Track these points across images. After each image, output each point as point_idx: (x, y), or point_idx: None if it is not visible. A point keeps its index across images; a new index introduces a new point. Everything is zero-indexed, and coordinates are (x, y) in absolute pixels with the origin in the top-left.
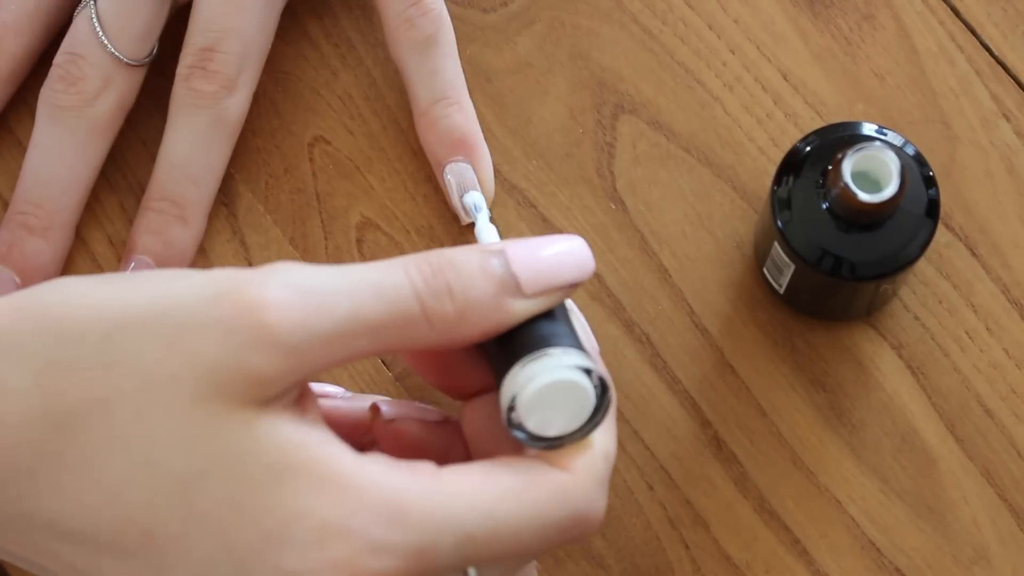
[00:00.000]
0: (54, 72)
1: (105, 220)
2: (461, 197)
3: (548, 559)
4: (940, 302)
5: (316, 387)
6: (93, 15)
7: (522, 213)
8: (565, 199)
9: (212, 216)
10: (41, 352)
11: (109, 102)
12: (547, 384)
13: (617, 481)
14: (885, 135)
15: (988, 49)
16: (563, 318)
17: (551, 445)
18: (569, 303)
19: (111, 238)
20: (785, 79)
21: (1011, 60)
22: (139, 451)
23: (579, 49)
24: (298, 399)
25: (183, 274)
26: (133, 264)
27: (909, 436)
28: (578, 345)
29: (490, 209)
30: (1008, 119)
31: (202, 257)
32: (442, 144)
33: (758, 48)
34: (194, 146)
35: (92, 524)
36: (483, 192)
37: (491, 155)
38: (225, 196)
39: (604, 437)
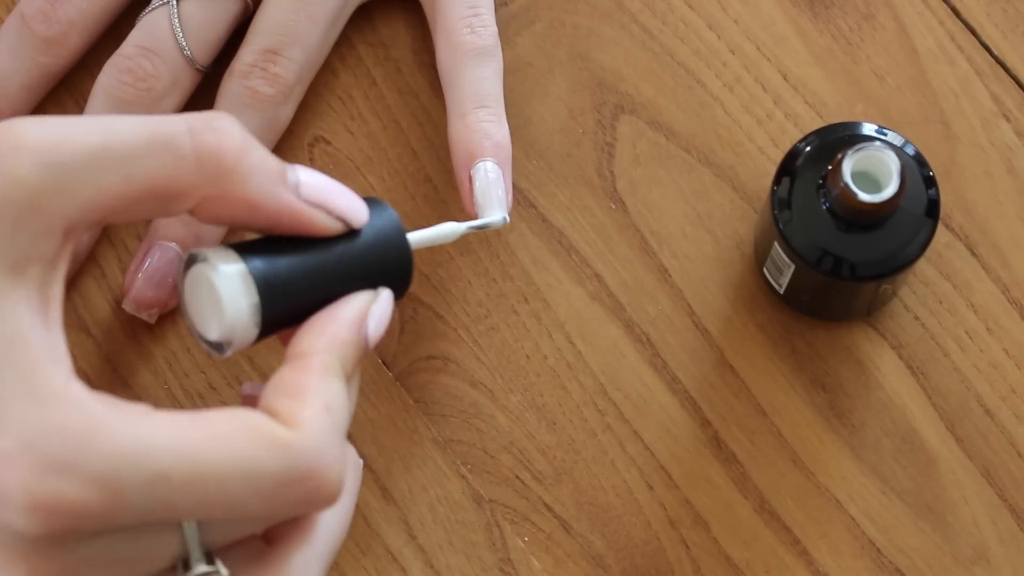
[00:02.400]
0: (121, 63)
1: None
2: (485, 192)
3: (548, 558)
4: (940, 302)
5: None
6: (175, 14)
7: (522, 213)
8: (565, 199)
9: None
10: None
11: (173, 104)
12: (192, 276)
13: (617, 481)
14: (885, 135)
15: (988, 49)
16: (318, 278)
17: (215, 350)
18: (386, 295)
19: (111, 238)
20: (785, 79)
21: (1011, 60)
22: None
23: (579, 49)
24: (54, 260)
25: None
26: (159, 250)
27: (909, 436)
28: (280, 291)
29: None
30: (1008, 119)
31: None
32: (479, 145)
33: (758, 48)
34: None
35: None
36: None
37: None
38: None
39: (324, 390)
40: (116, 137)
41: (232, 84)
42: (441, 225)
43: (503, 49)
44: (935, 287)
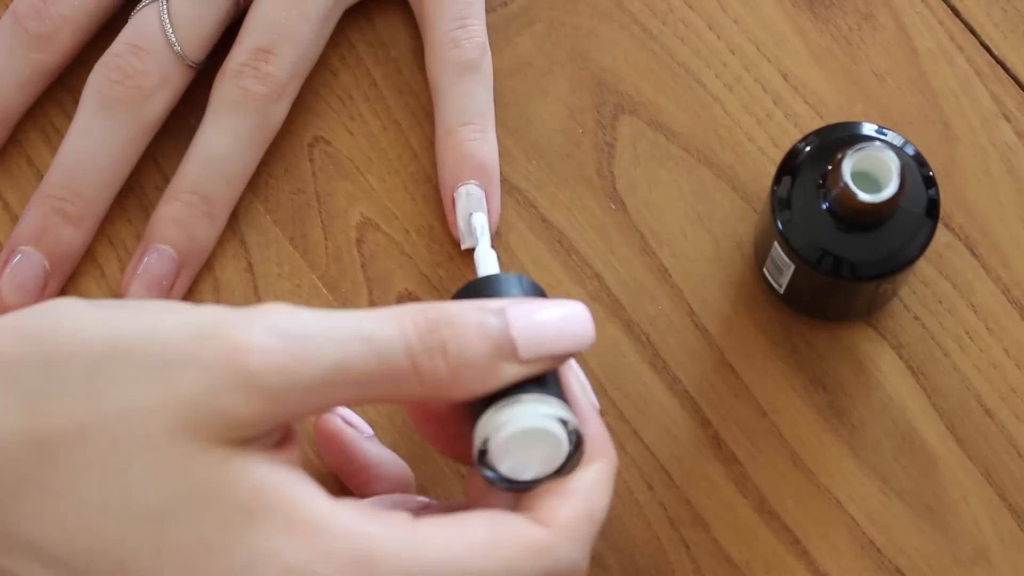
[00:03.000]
0: (111, 61)
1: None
2: (467, 218)
3: None
4: (940, 302)
5: (347, 413)
6: (164, 11)
7: (522, 213)
8: (565, 199)
9: None
10: (30, 377)
11: (163, 101)
12: (520, 430)
13: (617, 481)
14: (885, 135)
15: (988, 49)
16: (551, 377)
17: (524, 488)
18: (572, 363)
19: (110, 238)
20: (785, 79)
21: (1011, 60)
22: (115, 481)
23: (579, 49)
24: (280, 441)
25: (174, 307)
26: (155, 253)
27: (909, 436)
28: (557, 395)
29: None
30: (1008, 119)
31: None
32: (461, 166)
33: (758, 48)
34: (234, 145)
35: (69, 550)
36: (489, 221)
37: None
38: None
39: (591, 498)
40: (350, 362)
41: (224, 83)
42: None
43: (503, 49)
44: (935, 287)
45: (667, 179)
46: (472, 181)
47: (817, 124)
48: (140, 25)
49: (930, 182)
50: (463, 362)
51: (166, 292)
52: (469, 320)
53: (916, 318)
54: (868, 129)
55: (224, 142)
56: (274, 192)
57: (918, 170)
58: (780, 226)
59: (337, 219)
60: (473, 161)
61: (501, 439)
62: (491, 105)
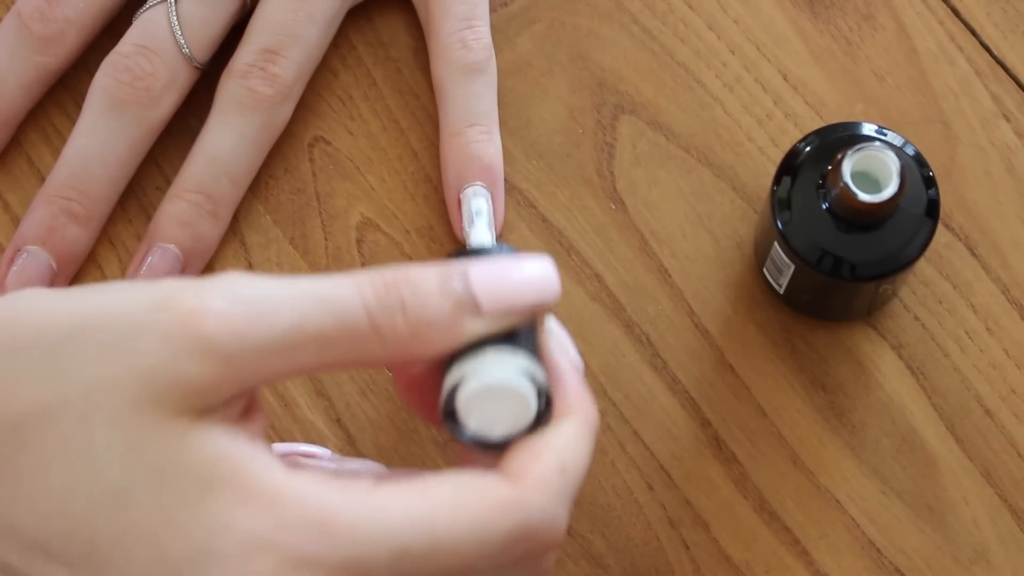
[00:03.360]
0: (119, 62)
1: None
2: (472, 219)
3: None
4: (940, 302)
5: (303, 448)
6: (173, 13)
7: (522, 213)
8: (565, 199)
9: None
10: None
11: (170, 103)
12: (484, 384)
13: (617, 481)
14: (885, 135)
15: (988, 49)
16: (523, 330)
17: (497, 448)
18: (552, 324)
19: (111, 238)
20: (785, 79)
21: (1011, 60)
22: (81, 459)
23: (579, 49)
24: (244, 412)
25: (134, 284)
26: (159, 252)
27: (909, 436)
28: (527, 351)
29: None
30: (1008, 119)
31: None
32: (467, 167)
33: (758, 48)
34: (239, 145)
35: (44, 532)
36: (495, 223)
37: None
38: None
39: (563, 450)
40: (308, 324)
41: (230, 84)
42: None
43: (503, 50)
44: (935, 287)
45: (667, 179)
46: (478, 182)
47: (817, 124)
48: (148, 26)
49: (930, 182)
50: (423, 318)
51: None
52: (428, 277)
53: (916, 318)
54: (868, 129)
55: (230, 142)
56: (274, 192)
57: (918, 170)
58: (780, 226)
59: (337, 219)
60: (479, 163)
61: (465, 393)
62: (496, 108)
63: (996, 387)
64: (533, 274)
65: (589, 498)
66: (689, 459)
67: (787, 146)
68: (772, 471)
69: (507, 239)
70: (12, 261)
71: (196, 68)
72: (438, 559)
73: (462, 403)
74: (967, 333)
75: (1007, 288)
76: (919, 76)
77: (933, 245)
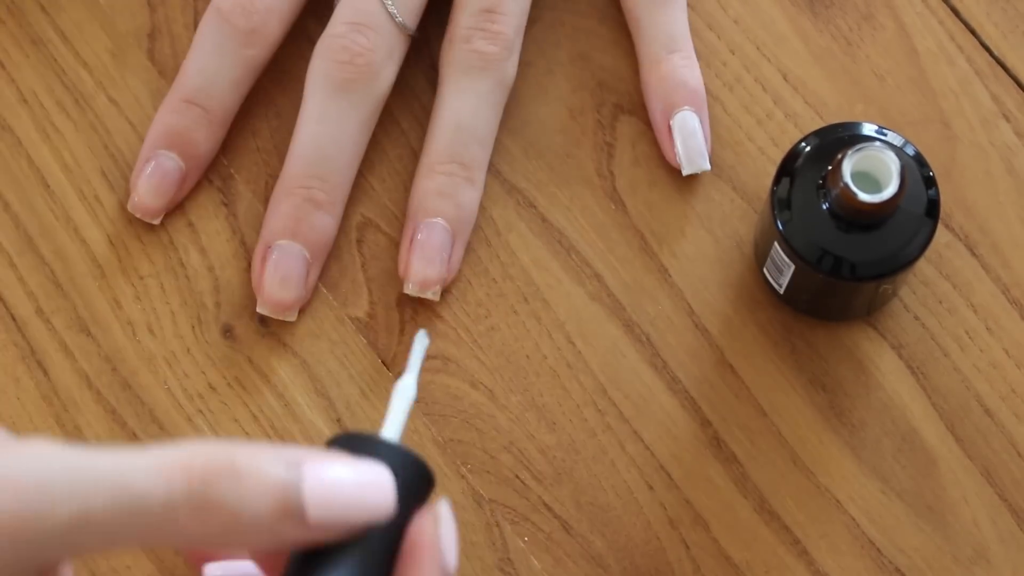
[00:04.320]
0: (334, 43)
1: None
2: (687, 145)
3: (548, 558)
4: (940, 302)
5: (239, 569)
6: None
7: (522, 213)
8: (565, 199)
9: (212, 216)
10: None
11: (391, 74)
12: None
13: (617, 481)
14: (885, 135)
15: (988, 49)
16: (370, 544)
17: None
18: (444, 511)
19: (111, 239)
20: (785, 79)
21: (1011, 60)
22: None
23: (579, 49)
24: None
25: None
26: (426, 227)
27: (909, 436)
28: (371, 567)
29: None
30: (1008, 119)
31: (202, 256)
32: (676, 93)
33: (758, 48)
34: (478, 108)
35: None
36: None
37: (491, 155)
38: (225, 196)
39: None
40: (93, 515)
41: (456, 51)
42: (396, 398)
43: None
44: (935, 287)
45: (667, 179)
46: (688, 107)
47: (817, 124)
48: (357, 3)
49: (930, 182)
50: (241, 519)
51: (446, 263)
52: (257, 469)
53: (916, 318)
54: (868, 129)
55: (469, 106)
56: None
57: (918, 170)
58: (780, 226)
59: (339, 223)
60: (687, 88)
61: None
62: (688, 30)
63: (996, 387)
64: (370, 489)
65: (589, 498)
66: (689, 459)
67: (787, 146)
68: (772, 471)
69: (507, 239)
70: (265, 259)
71: (408, 36)
72: None
73: None
74: (967, 333)
75: (1007, 288)
76: (919, 76)
77: (933, 245)
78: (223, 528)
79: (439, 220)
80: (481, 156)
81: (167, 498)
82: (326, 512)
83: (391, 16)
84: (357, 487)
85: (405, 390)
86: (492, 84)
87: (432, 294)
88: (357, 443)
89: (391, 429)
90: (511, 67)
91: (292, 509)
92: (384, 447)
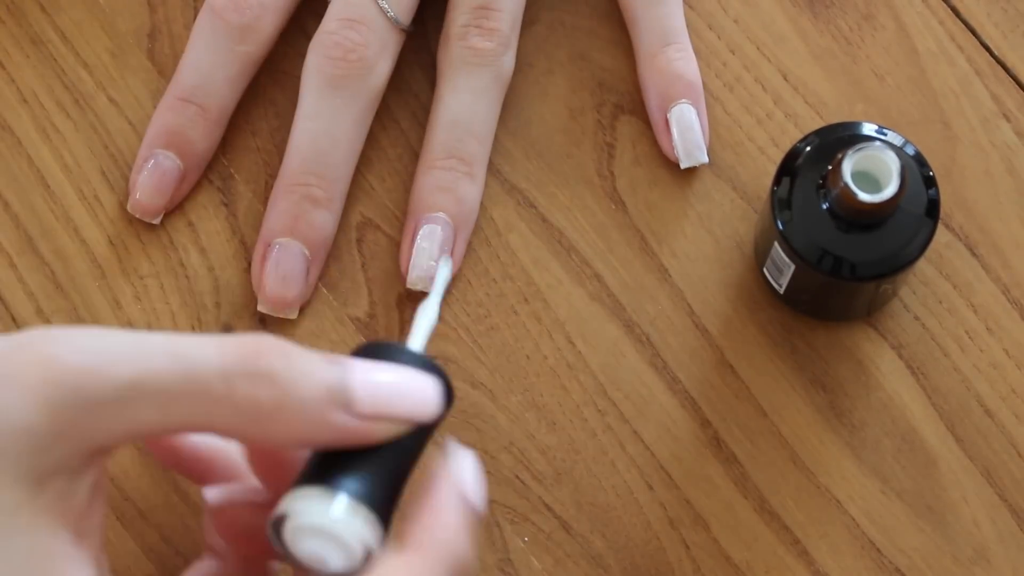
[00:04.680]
0: (327, 40)
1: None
2: (684, 138)
3: (548, 558)
4: (940, 302)
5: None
6: None
7: (522, 213)
8: (565, 199)
9: (212, 216)
10: None
11: (385, 70)
12: (307, 526)
13: (617, 481)
14: (885, 135)
15: (988, 49)
16: (392, 458)
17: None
18: (462, 456)
19: (111, 239)
20: (785, 79)
21: (1011, 60)
22: None
23: (579, 49)
24: (88, 498)
25: None
26: (431, 223)
27: (909, 436)
28: (371, 494)
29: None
30: (1008, 119)
31: (202, 257)
32: (673, 86)
33: (758, 48)
34: (475, 103)
35: None
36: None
37: (491, 155)
38: (225, 196)
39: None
40: (150, 374)
41: (452, 48)
42: (420, 316)
43: None
44: (935, 287)
45: (667, 179)
46: (685, 100)
47: (817, 124)
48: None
49: (930, 182)
50: (291, 395)
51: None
52: (309, 357)
53: (916, 318)
54: (868, 129)
55: (465, 103)
56: None
57: (918, 170)
58: (780, 226)
59: (339, 220)
60: (683, 81)
61: (289, 530)
62: (684, 22)
63: (996, 387)
64: (415, 387)
65: (589, 498)
66: (689, 459)
67: (787, 146)
68: (772, 471)
69: (507, 239)
70: (265, 257)
71: (403, 31)
72: None
73: (287, 536)
74: (967, 333)
75: (1007, 288)
76: (919, 76)
77: (933, 245)
78: (274, 402)
79: (440, 215)
80: (480, 152)
81: (223, 366)
82: (373, 402)
83: (383, 11)
84: (404, 384)
85: (429, 309)
86: (489, 80)
87: (423, 286)
88: (384, 350)
89: (416, 342)
90: (508, 62)
91: (340, 396)
92: (411, 356)
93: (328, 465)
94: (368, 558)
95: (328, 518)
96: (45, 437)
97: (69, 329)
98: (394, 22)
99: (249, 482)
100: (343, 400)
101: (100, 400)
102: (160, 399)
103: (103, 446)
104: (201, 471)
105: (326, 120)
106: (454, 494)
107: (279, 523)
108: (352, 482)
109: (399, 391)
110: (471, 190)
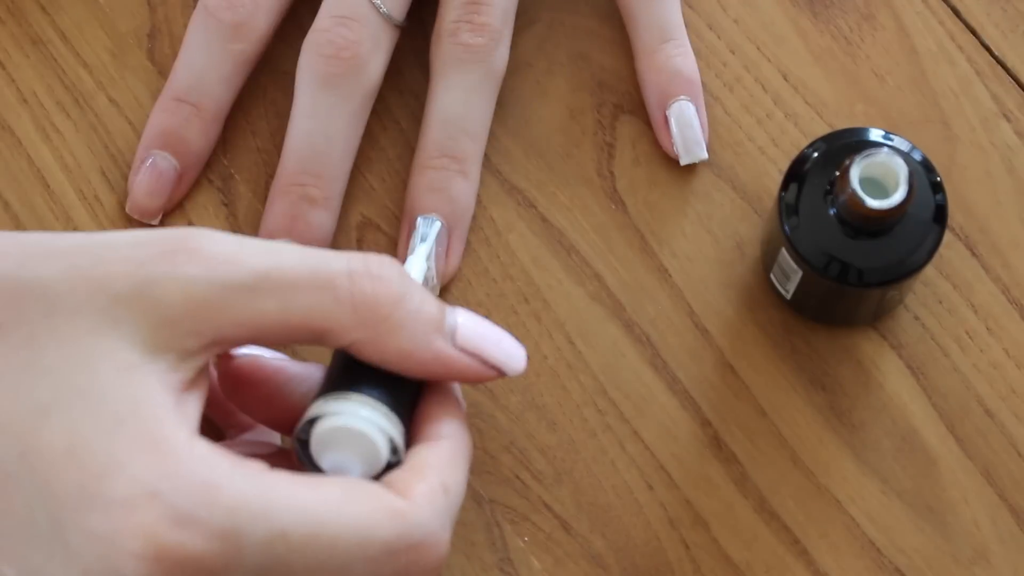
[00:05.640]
0: (320, 38)
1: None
2: (684, 133)
3: (548, 558)
4: (940, 302)
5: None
6: None
7: (522, 213)
8: (565, 199)
9: (212, 216)
10: None
11: (379, 65)
12: (337, 426)
13: (617, 481)
14: (892, 140)
15: (988, 49)
16: (408, 394)
17: None
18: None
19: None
20: (785, 79)
21: (1011, 60)
22: (22, 370)
23: (579, 49)
24: (191, 381)
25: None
26: (421, 223)
27: (909, 436)
28: (396, 409)
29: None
30: (1008, 119)
31: None
32: (672, 82)
33: (758, 48)
34: (468, 100)
35: None
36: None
37: (491, 155)
38: (225, 196)
39: (445, 471)
40: (281, 267)
41: (443, 45)
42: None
43: None
44: (935, 287)
45: (667, 179)
46: (684, 96)
47: (817, 124)
48: None
49: (937, 187)
50: (406, 302)
51: (442, 260)
52: (422, 287)
53: (916, 318)
54: (875, 135)
55: (458, 100)
56: None
57: (925, 176)
58: (787, 232)
59: (337, 219)
60: (681, 77)
61: (320, 429)
62: (681, 18)
63: (996, 387)
64: (510, 344)
65: (589, 498)
66: (689, 459)
67: (787, 146)
68: (772, 471)
69: (507, 239)
70: None
71: (396, 27)
72: (314, 550)
73: (314, 443)
74: (967, 333)
75: (1007, 288)
76: (919, 76)
77: None
78: (390, 305)
79: (432, 216)
80: (473, 149)
81: (349, 265)
82: (473, 338)
83: (375, 7)
84: (500, 335)
85: (414, 267)
86: (480, 76)
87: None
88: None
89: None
90: (500, 58)
91: (445, 326)
92: None
93: (354, 378)
94: (387, 467)
95: (360, 416)
96: (174, 312)
97: (213, 230)
98: (387, 18)
99: (269, 437)
100: (449, 326)
101: (231, 285)
102: (287, 291)
103: (223, 336)
104: (248, 402)
105: (321, 119)
106: (457, 391)
107: (308, 427)
108: (379, 391)
109: (496, 338)
110: (464, 188)
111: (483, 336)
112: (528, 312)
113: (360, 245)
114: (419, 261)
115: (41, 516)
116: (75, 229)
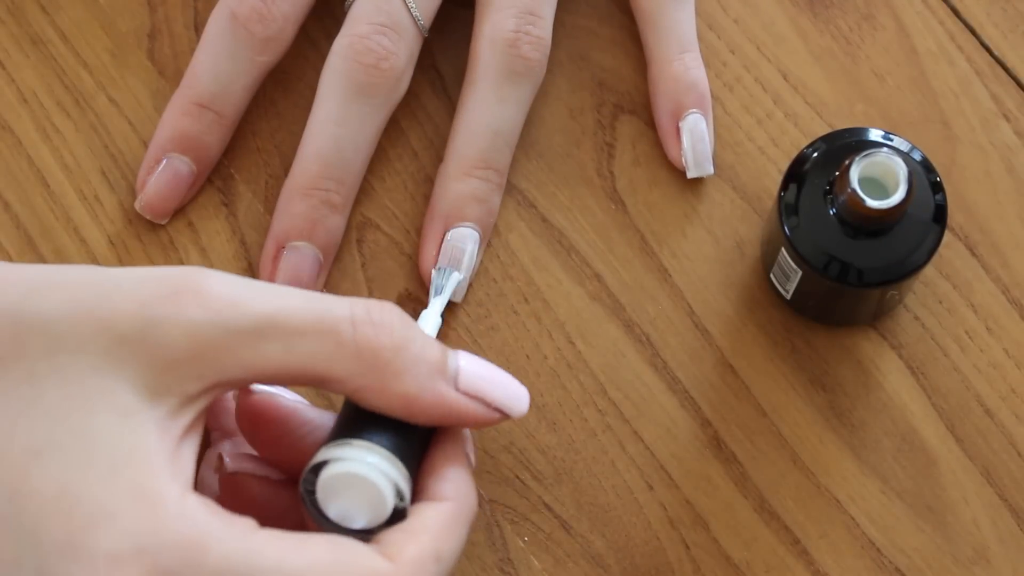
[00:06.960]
0: (357, 43)
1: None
2: (694, 148)
3: (548, 558)
4: (940, 302)
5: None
6: None
7: (522, 213)
8: (565, 199)
9: (212, 216)
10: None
11: (409, 78)
12: (342, 472)
13: (617, 481)
14: (892, 140)
15: (988, 49)
16: (416, 441)
17: (352, 533)
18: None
19: (111, 240)
20: (785, 79)
21: (1011, 60)
22: (19, 406)
23: (579, 49)
24: (188, 427)
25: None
26: (459, 231)
27: (909, 436)
28: (402, 456)
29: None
30: (1008, 119)
31: (202, 257)
32: (687, 95)
33: (758, 48)
34: (516, 115)
35: None
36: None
37: None
38: (225, 196)
39: (440, 538)
40: (285, 312)
41: (500, 54)
42: (423, 322)
43: None
44: (935, 287)
45: (667, 179)
46: (697, 110)
47: (817, 124)
48: (381, 3)
49: (937, 187)
50: (408, 349)
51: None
52: (423, 332)
53: (916, 318)
54: (875, 135)
55: (509, 113)
56: (274, 193)
57: (925, 176)
58: (787, 232)
59: None
60: (696, 91)
61: (326, 474)
62: (695, 29)
63: (996, 387)
64: (512, 385)
65: (589, 498)
66: (689, 459)
67: (787, 146)
68: (772, 471)
69: (507, 239)
70: (277, 258)
71: (424, 38)
72: None
73: (320, 489)
74: (967, 333)
75: (1007, 288)
76: (919, 76)
77: None
78: (392, 352)
79: (471, 226)
80: (508, 162)
81: (352, 313)
82: (475, 381)
83: (414, 19)
84: (502, 376)
85: (431, 316)
86: (530, 91)
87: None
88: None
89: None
90: (544, 71)
91: (447, 369)
92: None
93: (360, 426)
94: (395, 513)
95: (365, 462)
96: (177, 356)
97: (217, 271)
98: (422, 30)
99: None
100: (451, 370)
101: (235, 329)
102: (291, 336)
103: (225, 380)
104: (258, 438)
105: (353, 127)
106: (466, 450)
107: (314, 473)
108: (386, 439)
109: (498, 380)
110: (498, 201)
111: (485, 378)
112: (528, 312)
113: (360, 245)
114: (433, 316)
115: (28, 561)
116: (75, 229)
